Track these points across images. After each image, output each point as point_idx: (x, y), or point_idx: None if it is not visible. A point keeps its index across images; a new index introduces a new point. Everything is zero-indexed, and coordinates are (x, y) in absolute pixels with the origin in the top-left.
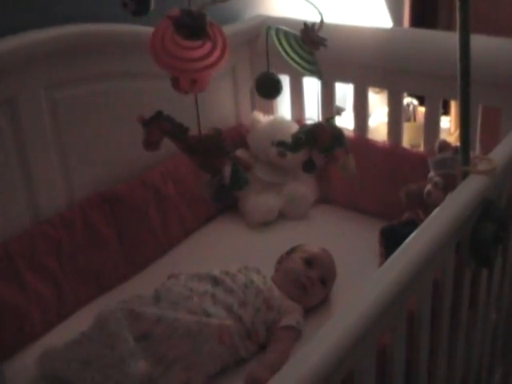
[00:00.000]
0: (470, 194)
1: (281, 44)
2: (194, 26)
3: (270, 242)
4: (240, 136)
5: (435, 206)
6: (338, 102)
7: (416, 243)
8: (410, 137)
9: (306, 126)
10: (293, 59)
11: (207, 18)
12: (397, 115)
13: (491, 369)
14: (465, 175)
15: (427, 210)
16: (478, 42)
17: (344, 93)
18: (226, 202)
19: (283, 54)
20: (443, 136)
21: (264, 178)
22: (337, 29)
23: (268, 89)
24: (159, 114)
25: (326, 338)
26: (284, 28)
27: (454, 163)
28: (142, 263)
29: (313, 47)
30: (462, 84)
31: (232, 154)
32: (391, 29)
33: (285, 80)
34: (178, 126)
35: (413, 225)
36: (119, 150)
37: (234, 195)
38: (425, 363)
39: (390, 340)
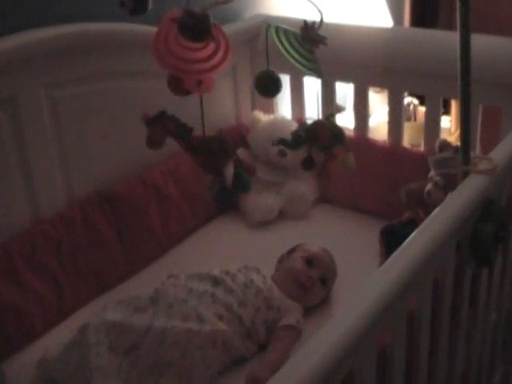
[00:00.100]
0: (470, 194)
1: (281, 42)
2: (198, 28)
3: (270, 241)
4: (240, 135)
5: (435, 205)
6: (339, 101)
7: (416, 243)
8: (410, 136)
9: (305, 123)
10: (293, 57)
11: (211, 19)
12: (397, 115)
13: (491, 368)
14: (465, 175)
15: (427, 210)
16: (479, 41)
17: (344, 92)
18: (227, 204)
19: (283, 51)
20: (443, 135)
21: (264, 177)
22: (337, 28)
23: (268, 87)
24: (163, 113)
25: (326, 337)
26: (284, 26)
27: (454, 163)
28: (142, 262)
29: (312, 45)
30: (463, 83)
31: (235, 156)
32: (392, 28)
33: (285, 79)
34: (183, 125)
35: (413, 224)
36: (119, 148)
37: (235, 197)
38: (425, 363)
39: (390, 340)
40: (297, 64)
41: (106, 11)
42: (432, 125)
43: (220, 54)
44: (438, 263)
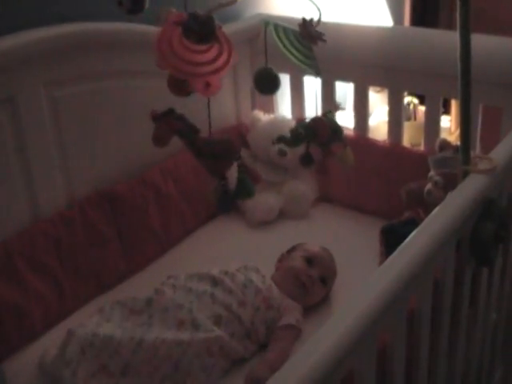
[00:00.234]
0: (470, 193)
1: (279, 39)
2: (203, 31)
3: (270, 241)
4: (240, 135)
5: (435, 205)
6: (339, 100)
7: (416, 242)
8: (410, 136)
9: (304, 121)
10: (291, 54)
11: (215, 21)
12: (397, 114)
13: (491, 368)
14: (465, 174)
15: (427, 209)
16: (479, 40)
17: (344, 92)
18: (228, 209)
19: (282, 48)
20: (444, 135)
21: (264, 177)
22: (337, 28)
23: (266, 84)
24: (170, 111)
25: (326, 336)
26: (282, 24)
27: (454, 162)
28: (142, 262)
29: (311, 42)
30: (463, 83)
31: (240, 161)
32: (392, 28)
33: (285, 79)
34: (190, 125)
35: (413, 224)
36: (119, 148)
37: (236, 202)
38: (425, 362)
39: (391, 339)
40: (295, 60)
41: (104, 11)
42: (432, 124)
43: (224, 55)
44: (438, 263)
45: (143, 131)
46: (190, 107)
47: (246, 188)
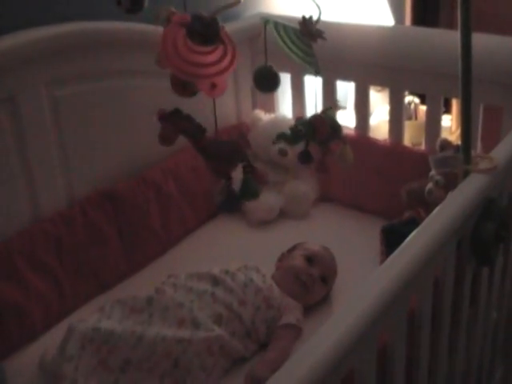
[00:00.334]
0: (471, 193)
1: (280, 36)
2: (207, 32)
3: (270, 240)
4: (244, 135)
5: (436, 204)
6: (339, 100)
7: (417, 242)
8: (411, 135)
9: (303, 118)
10: (292, 51)
11: (219, 23)
12: (398, 113)
13: (492, 367)
14: (466, 174)
15: (428, 209)
16: (480, 40)
17: (345, 91)
18: (232, 210)
19: (283, 46)
20: (444, 134)
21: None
22: (338, 27)
23: (266, 82)
24: (177, 111)
25: (326, 336)
26: (282, 22)
27: (455, 162)
28: (142, 261)
29: (311, 39)
30: (464, 82)
31: (246, 162)
32: (393, 27)
33: (286, 78)
34: (196, 126)
35: (414, 223)
36: (120, 147)
37: (240, 204)
38: (425, 361)
39: (391, 338)
40: (296, 58)
41: (104, 10)
42: (433, 124)
43: (228, 56)
44: (438, 262)
45: (144, 130)
46: (191, 107)
47: (250, 189)
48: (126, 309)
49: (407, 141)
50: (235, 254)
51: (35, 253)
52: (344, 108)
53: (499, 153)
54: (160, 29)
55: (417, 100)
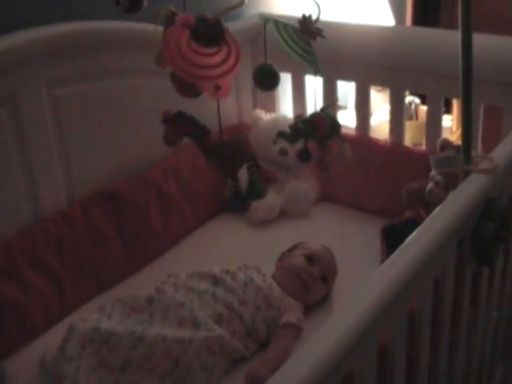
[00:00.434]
0: (471, 193)
1: (280, 35)
2: (212, 34)
3: (271, 240)
4: (239, 131)
5: (436, 204)
6: (340, 100)
7: (417, 242)
8: (411, 135)
9: (302, 116)
10: (292, 49)
11: (223, 24)
12: (399, 114)
13: (492, 367)
14: (466, 174)
15: (428, 209)
16: (480, 40)
17: (346, 91)
18: (240, 209)
19: (283, 44)
20: (445, 135)
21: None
22: (339, 27)
23: (266, 80)
24: (179, 114)
25: (326, 336)
26: (282, 20)
27: (455, 162)
28: (142, 261)
29: (310, 38)
30: (464, 83)
31: (252, 162)
32: (393, 27)
33: (287, 78)
34: (200, 127)
35: (414, 223)
36: (120, 146)
37: (248, 203)
38: (426, 361)
39: (391, 338)
40: (296, 56)
41: (105, 10)
42: (433, 124)
43: (233, 57)
44: (438, 262)
45: (144, 130)
46: (192, 107)
47: (256, 189)
48: (127, 308)
49: (408, 141)
50: (236, 254)
51: (36, 252)
52: (345, 108)
53: (500, 153)
54: (160, 28)
55: (417, 100)
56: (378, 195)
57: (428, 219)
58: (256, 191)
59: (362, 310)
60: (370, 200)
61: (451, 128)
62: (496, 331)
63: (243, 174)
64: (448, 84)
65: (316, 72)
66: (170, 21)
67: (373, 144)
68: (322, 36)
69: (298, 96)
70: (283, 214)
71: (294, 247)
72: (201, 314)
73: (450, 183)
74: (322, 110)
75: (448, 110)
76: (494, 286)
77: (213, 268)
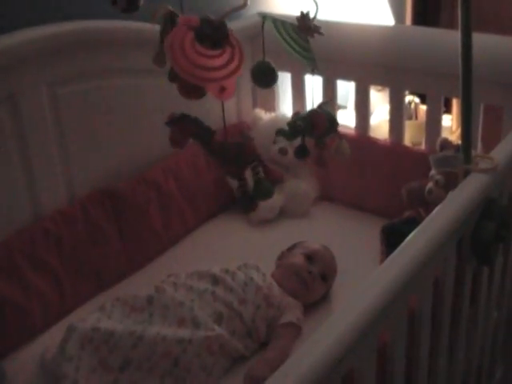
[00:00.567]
0: (471, 193)
1: (279, 33)
2: (217, 36)
3: (270, 239)
4: (239, 131)
5: (436, 204)
6: (340, 99)
7: (417, 241)
8: (411, 135)
9: (300, 114)
10: (291, 46)
11: (227, 26)
12: (398, 113)
13: (492, 367)
14: (466, 173)
15: (428, 208)
16: (480, 40)
17: (346, 91)
18: (249, 209)
19: (282, 41)
20: (445, 134)
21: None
22: (339, 26)
23: (264, 77)
24: (184, 116)
25: (326, 335)
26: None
27: (455, 161)
28: (142, 260)
29: (308, 35)
30: (464, 82)
31: (257, 163)
32: (393, 27)
33: (287, 77)
34: (206, 128)
35: (414, 223)
36: (120, 146)
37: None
38: (425, 361)
39: (391, 338)
40: (295, 54)
41: (105, 9)
42: (433, 123)
43: (236, 58)
44: (438, 262)
45: (145, 129)
46: (194, 107)
47: (262, 189)
48: (127, 308)
49: (407, 140)
50: (235, 253)
51: (35, 251)
52: (344, 108)
53: (499, 152)
54: (157, 27)
55: (417, 100)
56: (377, 195)
57: (428, 219)
58: (262, 191)
59: (361, 310)
60: (369, 200)
61: (451, 127)
62: (496, 331)
63: (250, 175)
64: (448, 84)
65: (314, 69)
66: (167, 20)
67: (372, 144)
68: (320, 33)
69: (297, 95)
70: (283, 214)
71: (294, 246)
72: (201, 314)
73: (450, 183)
74: (319, 106)
75: (448, 110)
76: (494, 286)
77: (212, 267)
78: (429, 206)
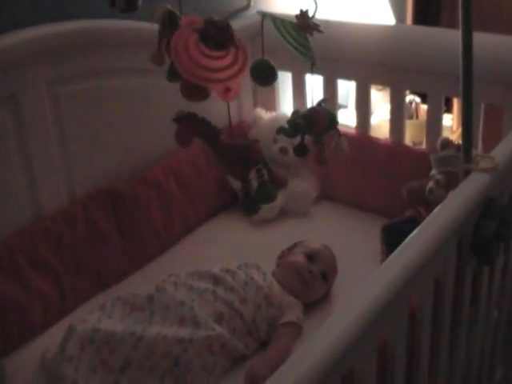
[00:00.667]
0: (471, 192)
1: (279, 31)
2: (221, 37)
3: (271, 238)
4: (242, 133)
5: (437, 203)
6: (341, 99)
7: (417, 241)
8: (412, 134)
9: (299, 111)
10: (291, 44)
11: (232, 27)
12: (399, 113)
13: (492, 367)
14: (467, 173)
15: (429, 208)
16: (481, 39)
17: (346, 90)
18: (252, 212)
19: (282, 39)
20: (445, 134)
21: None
22: (340, 26)
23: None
24: (189, 115)
25: (326, 334)
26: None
27: (456, 161)
28: (143, 260)
29: (307, 32)
30: (465, 82)
31: (261, 166)
32: (394, 26)
33: (287, 77)
34: (212, 128)
35: (414, 222)
36: (121, 145)
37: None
38: (426, 361)
39: (391, 337)
40: (295, 52)
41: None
42: (434, 123)
43: (240, 59)
44: (439, 261)
45: (145, 128)
46: (196, 107)
47: (266, 193)
48: (127, 307)
49: (408, 140)
50: (236, 253)
51: (36, 251)
52: (345, 107)
53: (500, 152)
54: (156, 26)
55: (418, 99)
56: (378, 194)
57: (428, 218)
58: (265, 194)
59: (362, 309)
60: (370, 199)
61: (452, 127)
62: (496, 331)
63: (255, 177)
64: (448, 83)
65: (313, 67)
66: (165, 19)
67: (373, 143)
68: (320, 31)
69: (298, 95)
70: (283, 213)
71: (294, 246)
72: (201, 313)
73: (451, 182)
74: (318, 104)
75: (448, 109)
76: (495, 286)
77: (213, 267)
78: (429, 206)
